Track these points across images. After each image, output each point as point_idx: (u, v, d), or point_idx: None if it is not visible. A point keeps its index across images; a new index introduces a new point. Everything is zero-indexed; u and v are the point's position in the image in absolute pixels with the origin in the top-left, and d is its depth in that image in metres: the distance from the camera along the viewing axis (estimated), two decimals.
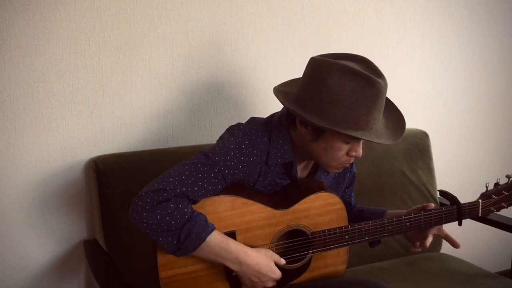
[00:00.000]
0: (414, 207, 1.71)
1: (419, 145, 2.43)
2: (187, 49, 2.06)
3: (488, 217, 2.14)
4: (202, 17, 2.06)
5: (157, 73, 2.02)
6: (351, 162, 1.59)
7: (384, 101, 1.50)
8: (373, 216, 1.76)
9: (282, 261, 1.54)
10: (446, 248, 2.44)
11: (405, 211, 1.71)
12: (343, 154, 1.52)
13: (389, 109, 1.57)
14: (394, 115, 1.59)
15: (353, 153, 1.53)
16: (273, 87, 1.64)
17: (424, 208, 1.68)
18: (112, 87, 1.96)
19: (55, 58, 1.86)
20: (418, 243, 1.71)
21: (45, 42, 1.84)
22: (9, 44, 1.79)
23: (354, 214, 1.82)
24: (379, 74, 1.47)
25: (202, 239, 1.41)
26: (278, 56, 2.23)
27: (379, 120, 1.50)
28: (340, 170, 1.61)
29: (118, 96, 1.98)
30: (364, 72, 1.42)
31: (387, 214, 1.75)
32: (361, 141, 1.53)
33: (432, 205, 1.68)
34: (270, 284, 1.52)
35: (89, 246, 1.98)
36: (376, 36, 2.44)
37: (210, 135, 2.17)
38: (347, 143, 1.50)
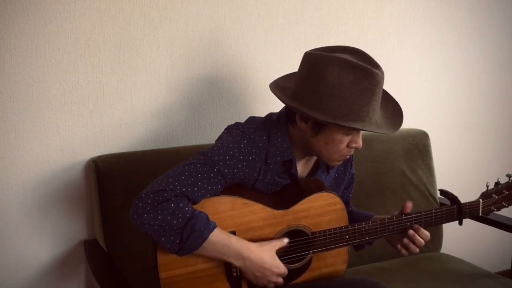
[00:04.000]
0: (395, 213, 1.69)
1: (419, 145, 2.43)
2: (187, 49, 2.06)
3: (489, 217, 2.15)
4: (202, 17, 2.06)
5: (157, 73, 2.02)
6: (351, 153, 1.59)
7: (381, 92, 1.50)
8: (360, 219, 1.72)
9: (285, 242, 1.54)
10: (446, 248, 2.45)
11: (389, 216, 1.67)
12: (344, 146, 1.53)
13: (384, 98, 1.57)
14: (389, 104, 1.60)
15: (354, 144, 1.53)
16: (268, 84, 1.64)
17: (401, 213, 1.66)
18: (112, 87, 1.96)
19: (55, 58, 1.86)
20: (399, 246, 1.67)
21: (45, 42, 1.84)
22: (9, 44, 1.79)
23: (353, 219, 1.80)
24: (376, 65, 1.47)
25: (205, 237, 1.42)
26: (278, 56, 2.23)
27: (378, 110, 1.51)
28: (341, 162, 1.62)
29: (118, 96, 1.98)
30: (362, 63, 1.43)
31: (373, 219, 1.69)
32: (360, 132, 1.54)
33: (410, 206, 1.65)
34: (275, 279, 1.52)
35: (89, 246, 1.98)
36: (376, 36, 2.44)
37: (210, 135, 2.17)
38: (347, 135, 1.51)
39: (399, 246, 1.67)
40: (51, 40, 1.84)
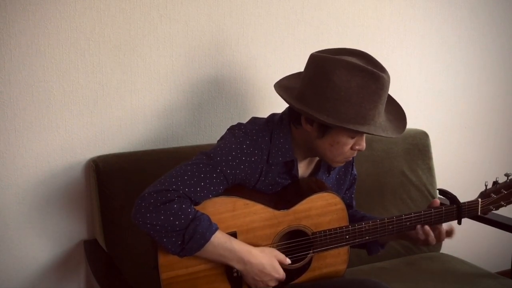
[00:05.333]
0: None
1: (419, 145, 2.43)
2: (187, 49, 2.06)
3: (488, 217, 2.15)
4: (202, 17, 2.06)
5: (157, 73, 2.02)
6: (354, 155, 1.60)
7: (387, 95, 1.51)
8: None
9: (287, 261, 1.54)
10: (446, 248, 2.45)
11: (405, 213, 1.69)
12: (348, 148, 1.53)
13: (387, 100, 1.58)
14: (393, 107, 1.61)
15: (357, 147, 1.54)
16: (273, 84, 1.64)
17: (430, 206, 1.68)
18: (112, 87, 1.96)
19: (55, 58, 1.86)
20: (420, 238, 1.67)
21: (45, 42, 1.83)
22: (9, 44, 1.79)
23: (358, 220, 1.80)
24: (382, 69, 1.48)
25: (207, 239, 1.42)
26: (278, 56, 2.23)
27: (383, 114, 1.52)
28: (343, 164, 1.62)
29: (118, 96, 1.98)
30: (369, 67, 1.43)
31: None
32: (364, 135, 1.54)
33: (437, 201, 1.68)
34: (273, 283, 1.52)
35: (89, 246, 1.98)
36: (376, 36, 2.44)
37: (210, 135, 2.16)
38: (352, 137, 1.52)
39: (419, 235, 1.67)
40: (51, 40, 1.84)
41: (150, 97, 2.03)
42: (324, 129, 1.50)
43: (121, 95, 1.98)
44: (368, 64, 1.46)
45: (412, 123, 2.52)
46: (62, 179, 1.95)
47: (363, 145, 1.55)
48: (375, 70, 1.43)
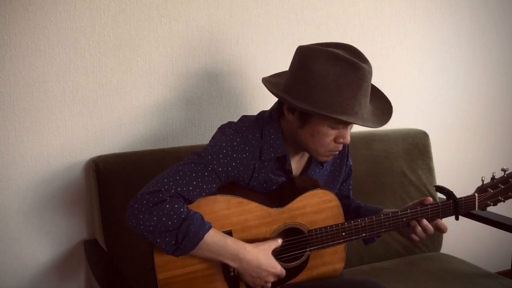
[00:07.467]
0: (411, 203, 1.70)
1: (419, 145, 2.43)
2: (187, 49, 2.06)
3: (488, 216, 2.15)
4: (202, 17, 2.06)
5: (157, 73, 2.03)
6: (340, 149, 1.58)
7: (370, 87, 1.50)
8: (369, 214, 1.72)
9: (279, 242, 1.54)
10: (446, 248, 2.45)
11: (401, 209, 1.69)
12: (330, 140, 1.52)
13: (377, 96, 1.58)
14: (382, 102, 1.60)
15: (341, 140, 1.53)
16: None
17: (421, 203, 1.67)
18: (112, 87, 1.97)
19: (55, 58, 1.87)
20: (413, 235, 1.67)
21: (45, 42, 1.84)
22: (9, 44, 1.80)
23: (352, 210, 1.81)
24: (364, 59, 1.48)
25: (200, 237, 1.42)
26: (278, 56, 2.23)
27: (366, 106, 1.51)
28: (330, 159, 1.61)
29: (118, 96, 1.98)
30: (348, 56, 1.44)
31: (382, 213, 1.71)
32: (348, 128, 1.53)
33: (430, 199, 1.67)
34: (271, 279, 1.52)
35: (89, 246, 1.98)
36: (376, 36, 2.44)
37: (210, 135, 2.14)
38: (333, 128, 1.50)
39: (413, 235, 1.66)
40: (51, 40, 1.85)
41: (150, 97, 2.03)
42: (305, 117, 1.50)
43: (121, 95, 1.99)
44: (349, 55, 1.47)
45: (412, 123, 2.54)
46: (62, 179, 1.96)
47: (347, 137, 1.53)
48: (355, 60, 1.44)
